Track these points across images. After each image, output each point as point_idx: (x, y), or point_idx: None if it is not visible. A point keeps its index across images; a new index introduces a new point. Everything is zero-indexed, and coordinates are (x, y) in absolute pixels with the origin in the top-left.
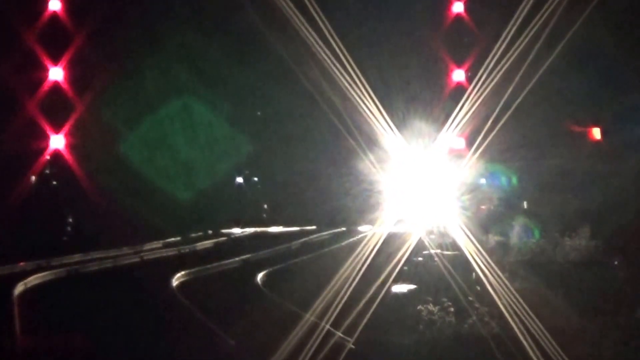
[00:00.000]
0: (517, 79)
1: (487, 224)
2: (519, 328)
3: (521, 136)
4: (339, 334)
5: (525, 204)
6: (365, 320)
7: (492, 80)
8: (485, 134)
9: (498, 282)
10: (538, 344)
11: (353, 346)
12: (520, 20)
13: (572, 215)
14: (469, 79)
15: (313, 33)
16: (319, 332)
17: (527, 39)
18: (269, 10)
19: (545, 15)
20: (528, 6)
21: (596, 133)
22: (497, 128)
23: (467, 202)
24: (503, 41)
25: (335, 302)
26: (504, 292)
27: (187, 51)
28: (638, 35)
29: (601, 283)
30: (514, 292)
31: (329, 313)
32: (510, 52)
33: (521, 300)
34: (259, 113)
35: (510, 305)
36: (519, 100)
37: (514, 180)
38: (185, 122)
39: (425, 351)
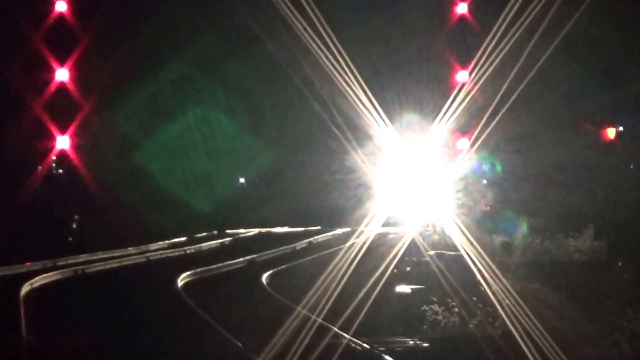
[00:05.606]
0: (514, 70)
1: (489, 223)
2: (521, 328)
3: (522, 131)
4: (338, 331)
5: (526, 204)
6: (369, 320)
7: (489, 72)
8: (482, 129)
9: (502, 283)
10: (540, 343)
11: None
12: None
13: (576, 215)
14: (470, 73)
15: (313, 35)
16: (320, 332)
17: (521, 31)
18: (267, 15)
19: (542, 4)
20: None
21: (603, 131)
22: (493, 123)
23: (470, 200)
24: (497, 32)
25: (339, 303)
26: (507, 293)
27: (199, 53)
28: None
29: (605, 284)
30: (518, 293)
31: (333, 313)
32: (507, 42)
33: (525, 301)
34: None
35: (513, 305)
36: (516, 94)
37: (514, 178)
38: (192, 121)
39: (427, 349)
